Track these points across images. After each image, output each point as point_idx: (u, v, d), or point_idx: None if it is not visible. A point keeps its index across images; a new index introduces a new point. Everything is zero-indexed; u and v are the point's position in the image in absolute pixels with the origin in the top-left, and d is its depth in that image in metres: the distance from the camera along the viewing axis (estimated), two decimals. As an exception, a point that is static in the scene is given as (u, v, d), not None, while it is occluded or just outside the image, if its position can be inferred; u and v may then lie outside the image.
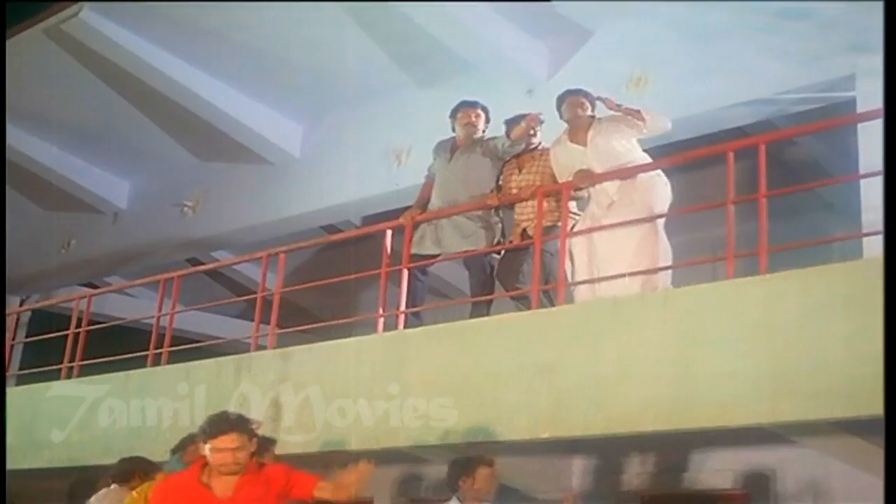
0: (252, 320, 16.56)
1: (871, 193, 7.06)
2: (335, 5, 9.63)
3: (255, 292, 16.15)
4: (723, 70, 8.53)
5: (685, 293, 5.77)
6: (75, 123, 12.29)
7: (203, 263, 13.80)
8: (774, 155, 10.54)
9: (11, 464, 7.89)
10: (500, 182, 7.53)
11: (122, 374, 8.61)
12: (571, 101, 7.08)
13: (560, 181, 7.03)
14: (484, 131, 7.79)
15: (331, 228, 12.67)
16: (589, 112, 7.06)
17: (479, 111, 7.78)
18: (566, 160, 7.03)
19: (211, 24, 10.29)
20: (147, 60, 10.74)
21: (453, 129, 7.90)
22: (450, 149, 7.72)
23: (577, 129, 7.03)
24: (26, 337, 14.76)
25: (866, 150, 7.46)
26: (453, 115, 7.86)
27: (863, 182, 7.39)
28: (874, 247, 6.59)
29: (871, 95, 7.53)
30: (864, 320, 4.98)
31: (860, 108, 7.76)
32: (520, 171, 7.39)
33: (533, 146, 7.49)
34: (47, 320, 15.36)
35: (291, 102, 11.34)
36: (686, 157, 6.83)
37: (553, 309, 6.33)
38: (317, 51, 10.36)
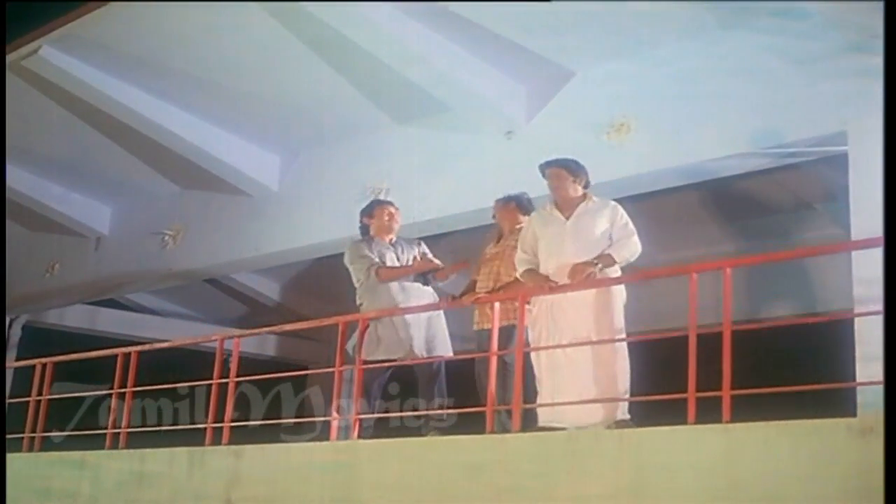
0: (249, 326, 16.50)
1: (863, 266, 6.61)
2: (303, 46, 9.10)
3: (259, 303, 16.10)
4: (711, 120, 8.00)
5: (642, 434, 5.31)
6: (49, 153, 11.90)
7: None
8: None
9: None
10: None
11: (78, 453, 8.22)
12: (550, 173, 6.49)
13: (523, 249, 6.47)
14: None
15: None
16: (576, 186, 6.41)
17: (392, 210, 7.60)
18: (541, 227, 6.43)
19: (177, 63, 9.78)
20: (113, 96, 10.25)
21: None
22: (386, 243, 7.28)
23: (565, 202, 6.44)
24: (17, 358, 14.65)
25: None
26: (368, 213, 7.61)
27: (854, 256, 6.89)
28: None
29: (862, 151, 7.10)
30: (826, 483, 4.56)
31: (852, 165, 7.27)
32: (496, 242, 6.92)
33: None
34: (38, 336, 15.21)
35: (267, 135, 10.88)
36: (650, 275, 6.28)
37: (507, 436, 5.88)
38: (288, 88, 9.88)
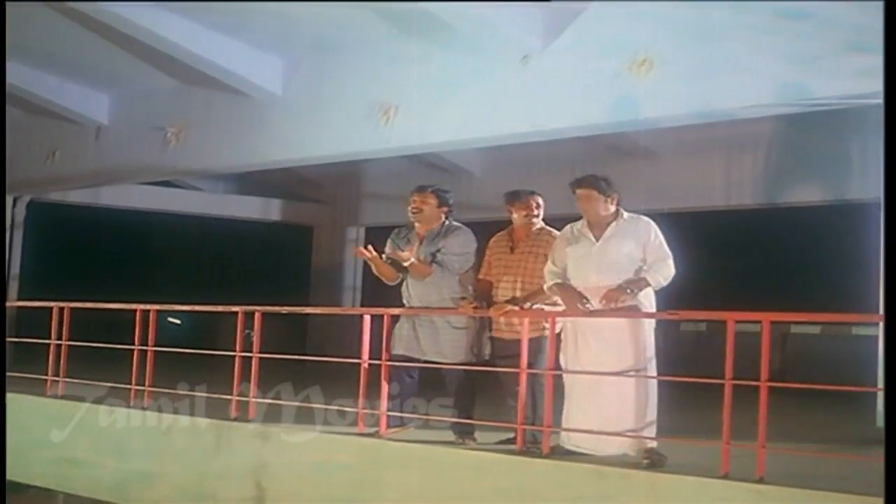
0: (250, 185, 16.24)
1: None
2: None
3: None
4: (736, 69, 7.63)
5: (675, 482, 5.31)
6: (42, 47, 11.42)
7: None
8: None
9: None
10: (486, 258, 6.78)
11: (105, 408, 8.24)
12: (581, 194, 6.18)
13: (553, 262, 6.27)
14: (447, 214, 6.95)
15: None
16: (607, 206, 6.15)
17: (428, 195, 6.87)
18: (572, 244, 6.15)
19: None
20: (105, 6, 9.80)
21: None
22: (417, 236, 6.91)
23: (596, 222, 6.17)
24: (23, 236, 14.64)
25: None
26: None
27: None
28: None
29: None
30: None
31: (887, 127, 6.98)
32: (512, 251, 6.61)
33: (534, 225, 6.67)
34: (44, 212, 15.13)
35: (268, 40, 10.38)
36: (688, 315, 6.09)
37: (536, 461, 5.87)
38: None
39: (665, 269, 5.92)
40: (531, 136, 9.21)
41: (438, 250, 6.73)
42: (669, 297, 6.16)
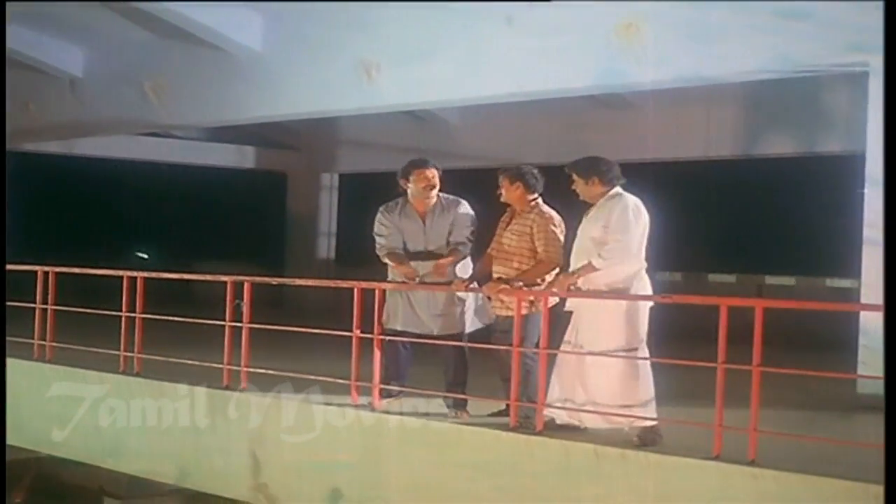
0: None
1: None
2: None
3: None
4: (723, 37, 7.69)
5: (671, 463, 5.39)
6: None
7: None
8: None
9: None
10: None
11: (96, 374, 8.23)
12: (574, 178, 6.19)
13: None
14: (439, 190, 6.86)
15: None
16: (590, 188, 6.11)
17: (436, 169, 6.77)
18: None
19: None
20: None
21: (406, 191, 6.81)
22: (416, 213, 6.86)
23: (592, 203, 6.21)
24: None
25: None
26: (405, 175, 6.77)
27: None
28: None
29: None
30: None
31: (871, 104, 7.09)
32: (507, 225, 6.64)
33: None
34: (18, 164, 14.95)
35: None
36: (681, 299, 6.15)
37: (533, 438, 5.94)
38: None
39: (613, 251, 5.87)
40: (516, 97, 9.23)
41: (452, 225, 6.75)
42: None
